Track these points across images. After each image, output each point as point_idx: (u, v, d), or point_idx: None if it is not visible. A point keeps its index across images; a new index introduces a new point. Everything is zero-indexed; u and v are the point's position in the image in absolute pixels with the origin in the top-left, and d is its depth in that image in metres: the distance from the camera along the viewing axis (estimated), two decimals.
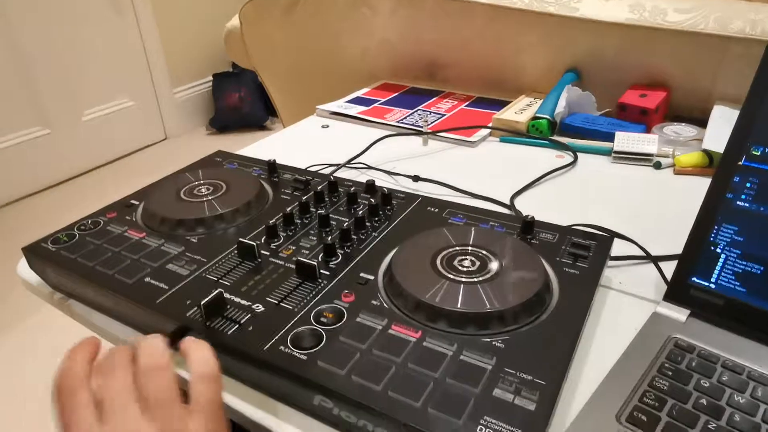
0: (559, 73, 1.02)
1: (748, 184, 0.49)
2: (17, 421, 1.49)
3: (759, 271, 0.48)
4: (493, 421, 0.38)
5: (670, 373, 0.45)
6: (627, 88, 0.95)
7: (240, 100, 3.25)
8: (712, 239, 0.51)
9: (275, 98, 1.59)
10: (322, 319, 0.48)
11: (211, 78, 3.37)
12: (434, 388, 0.40)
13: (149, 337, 0.37)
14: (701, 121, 0.88)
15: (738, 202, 0.50)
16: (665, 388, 0.43)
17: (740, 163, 0.49)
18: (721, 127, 0.82)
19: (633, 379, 0.45)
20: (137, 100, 3.12)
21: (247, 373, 0.47)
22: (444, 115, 1.05)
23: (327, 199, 0.68)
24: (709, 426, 0.40)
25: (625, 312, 0.55)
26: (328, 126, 1.07)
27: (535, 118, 0.93)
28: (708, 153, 0.80)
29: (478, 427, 0.37)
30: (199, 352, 0.37)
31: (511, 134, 0.94)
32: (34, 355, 1.73)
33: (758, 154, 0.49)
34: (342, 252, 0.57)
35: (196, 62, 3.37)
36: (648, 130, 0.90)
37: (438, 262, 0.53)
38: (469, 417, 0.38)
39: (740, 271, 0.49)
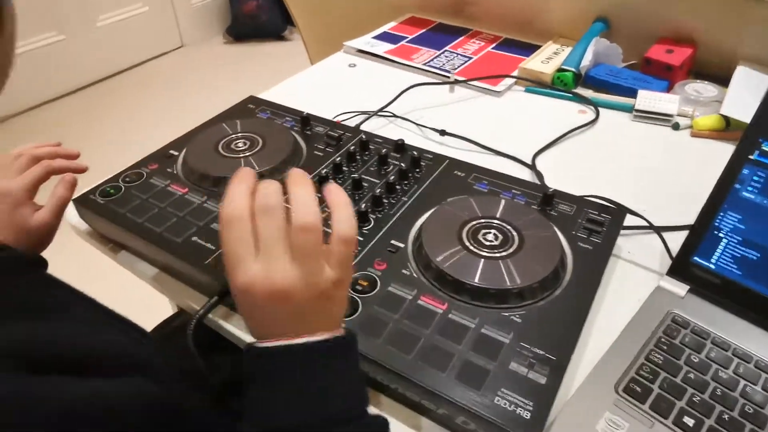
0: (588, 19, 1.01)
1: (755, 177, 0.53)
2: None
3: (755, 257, 0.53)
4: (509, 393, 0.44)
5: (665, 347, 0.51)
6: (654, 41, 0.95)
7: (258, 8, 3.18)
8: (717, 224, 0.55)
9: (298, 19, 1.57)
10: (357, 287, 0.53)
11: None
12: (458, 359, 0.47)
13: (301, 190, 0.40)
14: (724, 79, 0.89)
15: (744, 193, 0.53)
16: (660, 361, 0.49)
17: (751, 156, 0.53)
18: (741, 91, 0.83)
19: (632, 352, 0.51)
20: (152, 5, 3.06)
21: None
22: (470, 58, 1.06)
23: (359, 157, 0.72)
24: (694, 399, 0.46)
25: (631, 282, 0.60)
26: (355, 65, 1.08)
27: (561, 70, 0.95)
28: (725, 117, 0.82)
29: (496, 398, 0.44)
30: (342, 212, 0.40)
31: (536, 85, 0.96)
32: None
33: None
34: (374, 217, 0.62)
35: None
36: (671, 86, 0.92)
37: (464, 234, 0.58)
38: (487, 388, 0.44)
39: (738, 255, 0.54)
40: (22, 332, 0.33)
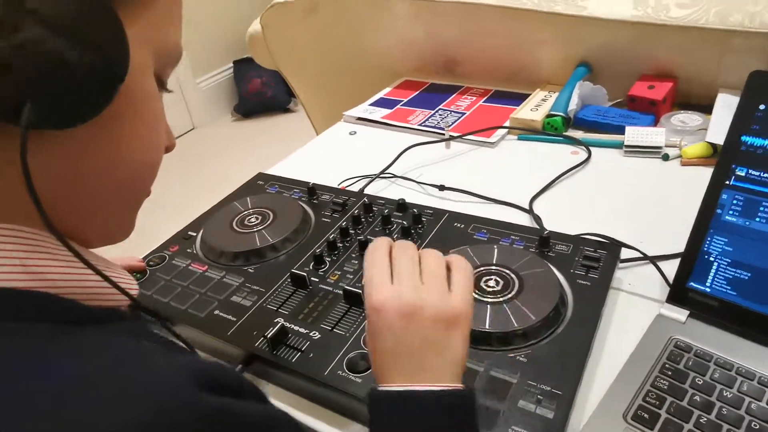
0: (571, 66, 1.06)
1: (734, 201, 0.56)
2: None
3: (747, 277, 0.55)
4: (519, 430, 0.46)
5: (669, 372, 0.53)
6: (636, 79, 1.00)
7: (262, 84, 3.32)
8: (706, 249, 0.58)
9: (301, 96, 1.66)
10: None
11: (231, 65, 3.44)
12: None
13: (431, 250, 0.49)
14: (708, 108, 0.92)
15: (726, 217, 0.56)
16: (665, 387, 0.51)
17: (728, 182, 0.56)
18: (724, 117, 0.86)
19: (638, 379, 0.53)
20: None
21: (310, 391, 0.57)
22: (464, 113, 1.11)
23: (363, 220, 0.76)
24: (701, 420, 0.48)
25: (634, 312, 0.62)
26: (355, 132, 1.14)
27: (550, 115, 0.99)
28: (712, 143, 0.85)
29: None
30: (459, 258, 0.49)
31: (528, 132, 1.00)
32: None
33: (743, 174, 0.55)
34: None
35: (216, 51, 3.44)
36: (657, 120, 0.96)
37: None
38: (499, 428, 0.47)
39: (731, 277, 0.56)
40: (187, 360, 0.37)
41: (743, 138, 0.55)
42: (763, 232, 0.54)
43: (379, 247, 0.48)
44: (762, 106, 0.53)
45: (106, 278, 0.39)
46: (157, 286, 0.69)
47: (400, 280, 0.45)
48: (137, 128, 0.39)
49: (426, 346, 0.43)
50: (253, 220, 0.78)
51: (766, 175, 0.53)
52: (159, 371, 0.32)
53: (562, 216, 0.79)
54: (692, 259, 0.59)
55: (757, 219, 0.54)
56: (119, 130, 0.38)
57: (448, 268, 0.47)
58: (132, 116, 0.38)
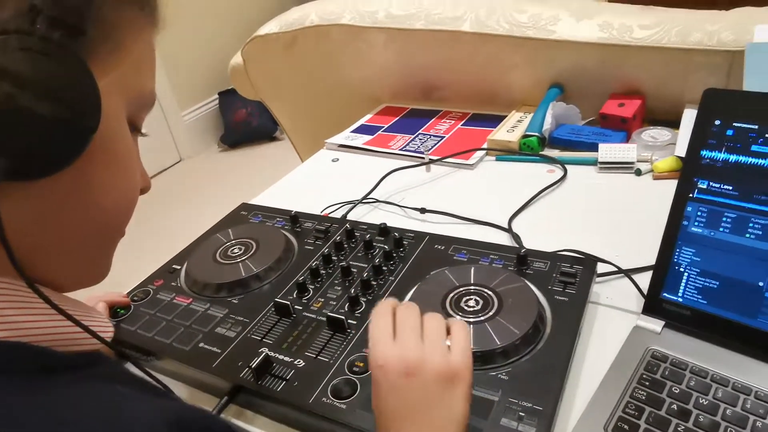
0: (545, 87, 1.09)
1: (698, 213, 0.58)
2: None
3: (715, 286, 0.57)
4: None
5: (647, 383, 0.54)
6: (607, 97, 1.03)
7: (248, 114, 3.34)
8: (676, 260, 0.59)
9: (284, 125, 1.68)
10: (354, 368, 0.57)
11: (216, 96, 3.47)
12: None
13: (431, 314, 0.51)
14: (676, 123, 0.95)
15: (693, 228, 0.58)
16: (643, 397, 0.53)
17: (691, 195, 0.58)
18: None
19: (618, 391, 0.54)
20: (149, 127, 3.20)
21: (296, 420, 0.57)
22: (443, 137, 1.14)
23: (346, 245, 0.78)
24: (679, 429, 0.49)
25: (612, 325, 0.64)
26: (338, 159, 1.16)
27: (525, 136, 1.02)
28: (681, 157, 0.88)
29: None
30: (458, 322, 0.50)
31: (506, 153, 1.03)
32: None
33: (704, 187, 0.57)
34: (365, 300, 0.67)
35: (200, 83, 3.46)
36: (629, 136, 0.98)
37: (447, 304, 0.62)
38: None
39: (701, 286, 0.58)
40: (160, 404, 0.38)
41: (702, 152, 0.57)
42: (727, 241, 0.56)
43: (383, 308, 0.50)
44: (717, 122, 0.56)
45: (78, 323, 0.40)
46: (141, 321, 0.70)
47: (402, 338, 0.47)
48: (111, 174, 0.40)
49: (429, 403, 0.44)
50: (236, 250, 0.79)
51: (725, 186, 0.56)
52: (131, 418, 0.33)
53: (541, 233, 0.81)
54: (663, 270, 0.60)
55: (721, 229, 0.56)
56: (93, 176, 0.39)
57: (448, 332, 0.49)
58: (105, 162, 0.39)
